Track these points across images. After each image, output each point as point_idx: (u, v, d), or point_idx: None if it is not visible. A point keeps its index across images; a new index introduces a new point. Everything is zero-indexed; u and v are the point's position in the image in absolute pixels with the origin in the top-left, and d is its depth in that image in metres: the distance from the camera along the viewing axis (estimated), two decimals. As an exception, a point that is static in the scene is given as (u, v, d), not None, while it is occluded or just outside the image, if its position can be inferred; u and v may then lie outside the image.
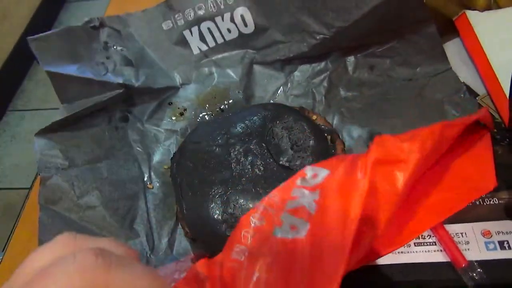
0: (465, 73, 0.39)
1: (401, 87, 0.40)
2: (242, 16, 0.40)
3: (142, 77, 0.41)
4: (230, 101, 0.43)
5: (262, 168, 0.32)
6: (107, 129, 0.41)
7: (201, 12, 0.40)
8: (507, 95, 0.33)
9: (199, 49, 0.43)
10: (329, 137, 0.36)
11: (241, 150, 0.33)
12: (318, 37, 0.40)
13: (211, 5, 0.39)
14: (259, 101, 0.44)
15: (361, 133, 0.39)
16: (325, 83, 0.42)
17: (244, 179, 0.32)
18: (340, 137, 0.39)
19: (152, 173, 0.40)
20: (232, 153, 0.33)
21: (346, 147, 0.39)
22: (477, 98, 0.38)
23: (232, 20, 0.41)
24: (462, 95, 0.37)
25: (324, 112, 0.41)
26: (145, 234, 0.36)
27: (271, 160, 0.32)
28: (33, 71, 1.42)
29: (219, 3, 0.39)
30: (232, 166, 0.33)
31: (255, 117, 0.35)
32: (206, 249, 0.34)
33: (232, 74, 0.44)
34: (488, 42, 0.37)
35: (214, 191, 0.32)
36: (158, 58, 0.43)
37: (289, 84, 0.43)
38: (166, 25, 0.41)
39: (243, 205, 0.31)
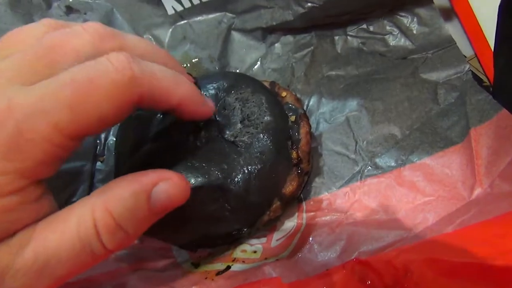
0: (451, 33, 0.33)
1: (393, 67, 0.34)
2: (218, -25, 0.36)
3: None
4: (202, 71, 0.39)
5: (203, 140, 0.28)
6: None
7: (172, -32, 0.36)
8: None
9: (174, 9, 0.39)
10: (293, 116, 0.31)
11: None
12: (306, 6, 0.35)
13: (183, -40, 0.35)
14: (235, 73, 0.39)
15: (338, 117, 0.34)
16: (307, 59, 0.37)
17: (183, 151, 0.28)
18: (314, 119, 0.35)
19: (107, 146, 0.37)
20: (177, 123, 0.29)
21: (319, 131, 0.34)
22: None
23: (207, -22, 0.36)
24: (462, 76, 0.31)
25: (301, 91, 0.36)
26: None
27: (217, 132, 0.28)
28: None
29: (192, -42, 0.35)
30: (174, 136, 0.29)
31: (210, 85, 0.31)
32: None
33: (207, 41, 0.40)
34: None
35: (147, 161, 0.28)
36: (128, 20, 0.40)
37: (268, 56, 0.39)
38: (136, -20, 0.37)
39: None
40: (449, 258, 0.21)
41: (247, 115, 0.29)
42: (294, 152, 0.29)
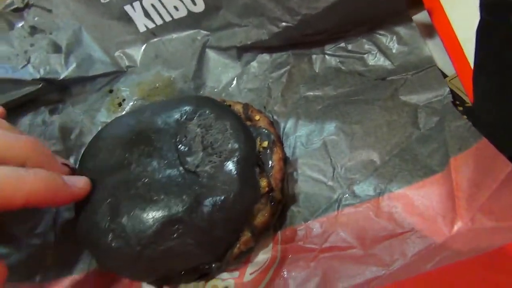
0: (433, 51, 0.32)
1: (372, 88, 0.33)
2: (189, -8, 0.34)
3: (72, 65, 0.37)
4: (176, 92, 0.37)
5: (164, 172, 0.26)
6: (30, 125, 0.36)
7: (141, -15, 0.34)
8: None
9: (146, 26, 0.38)
10: (266, 142, 0.29)
11: (146, 149, 0.27)
12: (280, 25, 0.33)
13: (151, -22, 0.34)
14: (210, 92, 0.38)
15: (315, 141, 0.32)
16: (284, 79, 0.36)
17: (140, 183, 0.26)
18: (290, 142, 0.33)
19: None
20: (136, 152, 0.27)
21: (295, 156, 0.32)
22: (445, 79, 0.31)
23: (177, -4, 0.35)
24: (442, 100, 0.30)
25: (278, 113, 0.35)
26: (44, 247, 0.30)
27: (178, 162, 0.26)
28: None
29: (160, -23, 0.34)
30: (131, 167, 0.27)
31: (174, 111, 0.29)
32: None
33: (181, 59, 0.38)
34: (456, 15, 0.30)
35: (103, 196, 0.26)
36: (97, 38, 0.38)
37: (244, 76, 0.37)
38: (104, -3, 0.36)
39: (132, 213, 0.25)
40: None
41: (210, 142, 0.27)
42: (265, 180, 0.27)
